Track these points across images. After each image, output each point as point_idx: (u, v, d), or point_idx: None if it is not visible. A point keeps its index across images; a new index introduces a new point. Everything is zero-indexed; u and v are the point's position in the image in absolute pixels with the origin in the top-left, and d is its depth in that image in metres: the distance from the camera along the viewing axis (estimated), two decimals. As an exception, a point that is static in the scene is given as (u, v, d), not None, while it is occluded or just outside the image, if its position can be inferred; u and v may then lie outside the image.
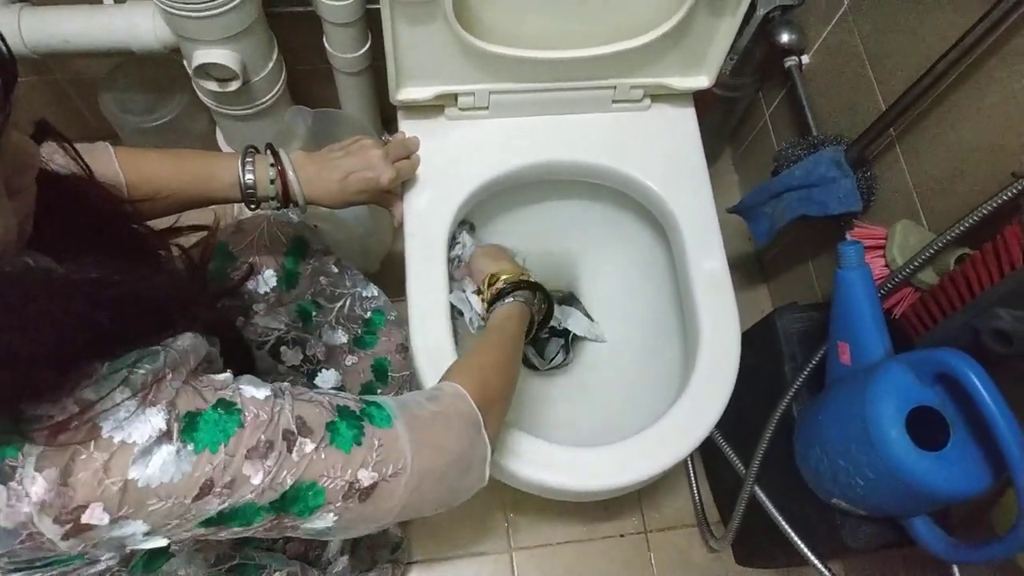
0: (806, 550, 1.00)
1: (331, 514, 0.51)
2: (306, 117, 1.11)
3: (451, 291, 0.93)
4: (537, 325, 0.87)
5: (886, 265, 0.93)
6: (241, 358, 0.60)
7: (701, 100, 1.05)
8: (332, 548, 0.90)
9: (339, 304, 0.95)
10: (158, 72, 1.19)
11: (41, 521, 0.40)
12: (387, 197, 0.90)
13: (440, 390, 0.63)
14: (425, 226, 0.92)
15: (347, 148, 0.84)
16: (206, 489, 0.44)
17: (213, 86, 1.04)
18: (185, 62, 1.03)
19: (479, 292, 0.90)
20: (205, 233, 0.70)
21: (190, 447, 0.44)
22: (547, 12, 0.85)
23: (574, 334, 1.21)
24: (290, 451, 0.48)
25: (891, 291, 0.91)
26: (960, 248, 0.87)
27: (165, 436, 0.43)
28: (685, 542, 1.32)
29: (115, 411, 0.42)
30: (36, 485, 0.39)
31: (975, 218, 0.81)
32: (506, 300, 0.84)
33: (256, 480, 0.46)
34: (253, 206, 0.80)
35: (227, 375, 0.50)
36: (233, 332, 0.62)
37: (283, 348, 0.89)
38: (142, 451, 0.42)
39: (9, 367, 0.37)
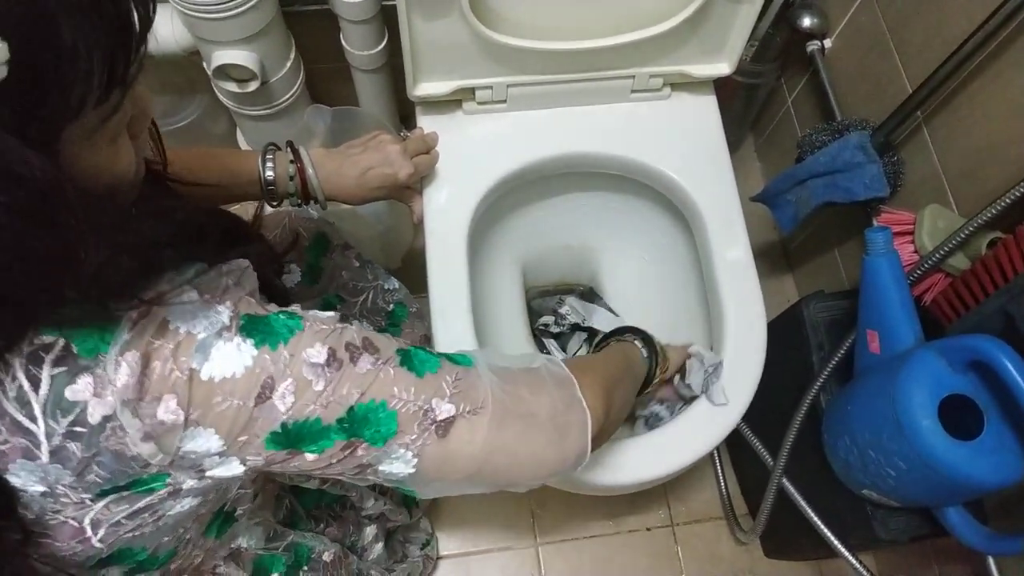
0: (836, 542, 0.99)
1: (408, 452, 0.49)
2: (325, 115, 1.11)
3: None
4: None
5: (915, 251, 0.91)
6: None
7: (722, 87, 1.04)
8: (367, 534, 0.91)
9: (362, 298, 0.96)
10: (177, 74, 1.20)
11: (123, 414, 0.41)
12: (406, 193, 0.90)
13: (535, 357, 0.60)
14: (445, 222, 0.92)
15: (366, 144, 0.85)
16: (267, 389, 0.44)
17: (232, 87, 1.05)
18: (204, 64, 1.04)
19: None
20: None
21: (249, 342, 0.44)
22: (564, 2, 0.84)
23: (596, 328, 1.20)
24: (353, 363, 0.47)
25: (921, 277, 0.89)
26: (992, 232, 0.85)
27: (226, 330, 0.44)
28: (713, 535, 1.31)
29: (182, 306, 0.43)
30: (120, 372, 0.40)
31: (1007, 200, 0.79)
32: (628, 338, 0.83)
33: (317, 387, 0.46)
34: (274, 203, 0.81)
35: (296, 305, 0.51)
36: (282, 291, 0.64)
37: None
38: (203, 342, 0.43)
39: (88, 275, 0.38)
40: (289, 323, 0.47)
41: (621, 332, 0.86)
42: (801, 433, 1.00)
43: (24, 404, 0.39)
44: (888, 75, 1.03)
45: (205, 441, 0.44)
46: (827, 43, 1.17)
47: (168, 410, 0.42)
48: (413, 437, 0.49)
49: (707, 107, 1.01)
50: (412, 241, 1.37)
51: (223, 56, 0.99)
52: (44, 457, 0.41)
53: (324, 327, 0.48)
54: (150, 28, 0.39)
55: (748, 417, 0.92)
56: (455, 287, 0.89)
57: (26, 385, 0.39)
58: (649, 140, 0.98)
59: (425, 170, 0.91)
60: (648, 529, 1.30)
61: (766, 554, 1.30)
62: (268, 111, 1.12)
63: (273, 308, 0.48)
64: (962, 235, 0.84)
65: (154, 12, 0.39)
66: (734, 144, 1.51)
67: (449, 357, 0.54)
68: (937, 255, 0.86)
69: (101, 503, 0.44)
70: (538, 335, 1.25)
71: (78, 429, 0.40)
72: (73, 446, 0.41)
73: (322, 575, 0.76)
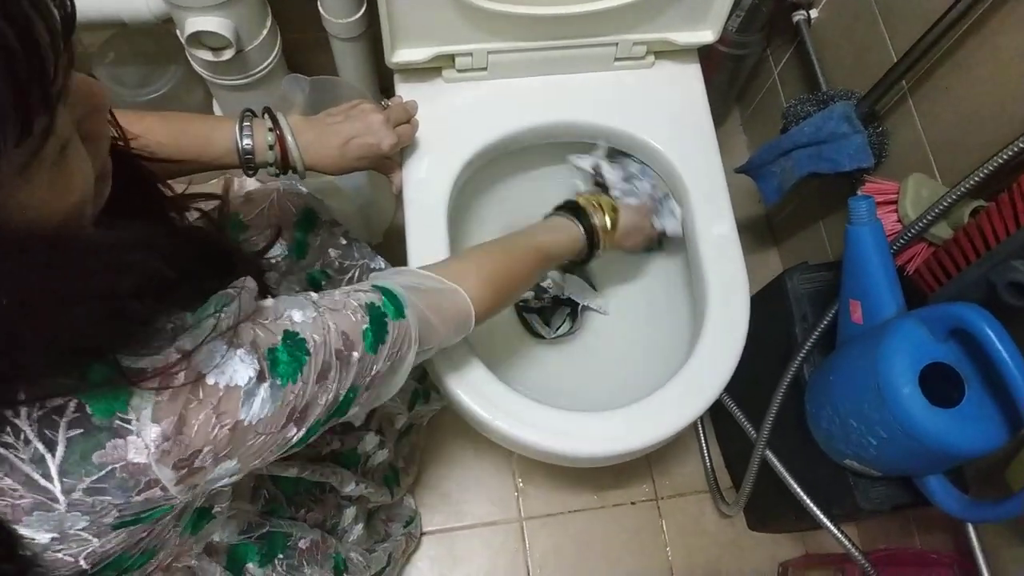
0: (819, 513, 0.99)
1: (357, 407, 0.57)
2: (303, 85, 1.08)
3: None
4: (567, 263, 0.92)
5: (898, 220, 0.91)
6: None
7: (708, 59, 1.02)
8: (347, 516, 0.91)
9: (348, 276, 0.94)
10: (151, 44, 1.17)
11: (160, 470, 0.41)
12: (387, 163, 0.88)
13: (443, 286, 0.68)
14: (424, 192, 0.90)
15: (347, 113, 0.82)
16: (290, 417, 0.48)
17: (207, 55, 1.02)
18: (178, 32, 1.01)
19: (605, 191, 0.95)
20: (217, 201, 0.69)
21: (278, 382, 0.46)
22: (544, -34, 0.82)
23: (575, 300, 1.19)
24: (343, 367, 0.52)
25: (904, 247, 0.89)
26: (975, 200, 0.85)
27: (261, 376, 0.45)
28: (697, 508, 1.31)
29: (212, 357, 0.43)
30: (154, 435, 0.40)
31: (989, 168, 0.78)
32: (580, 221, 0.88)
33: (323, 399, 0.51)
34: (251, 172, 0.79)
35: (270, 300, 0.52)
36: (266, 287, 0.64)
37: None
38: (247, 392, 0.44)
39: (103, 314, 0.38)
40: (297, 352, 0.49)
41: (564, 208, 0.91)
42: (784, 405, 1.00)
43: (39, 463, 0.39)
44: (874, 45, 1.02)
45: (226, 469, 0.46)
46: (813, 13, 1.15)
47: (205, 460, 0.43)
48: (364, 395, 0.57)
49: (691, 76, 1.00)
50: (394, 215, 1.35)
51: (197, 23, 0.96)
52: (62, 508, 0.40)
53: (319, 341, 0.50)
54: (73, 31, 0.35)
55: (732, 390, 0.91)
56: (434, 258, 0.88)
57: (41, 448, 0.38)
58: (633, 109, 0.96)
59: (407, 140, 0.89)
60: (632, 503, 1.31)
61: (750, 527, 1.31)
62: (244, 80, 1.09)
63: (275, 327, 0.49)
64: (945, 204, 0.83)
65: (72, 9, 0.35)
66: (720, 117, 1.50)
67: (389, 311, 0.59)
68: (920, 224, 0.86)
69: (106, 538, 0.43)
70: (520, 310, 1.24)
71: (104, 485, 0.40)
72: (97, 498, 0.40)
73: (297, 561, 0.75)
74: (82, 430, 0.39)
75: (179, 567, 0.64)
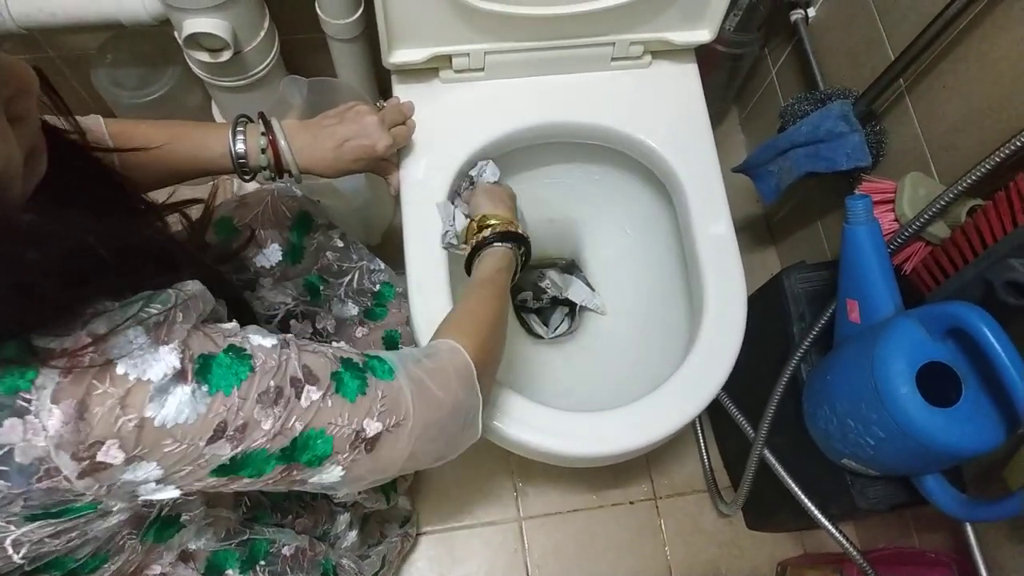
0: (816, 512, 0.99)
1: (338, 467, 0.52)
2: (301, 87, 1.08)
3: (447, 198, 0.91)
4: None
5: (896, 219, 0.91)
6: (244, 318, 0.61)
7: (705, 59, 1.02)
8: (341, 523, 0.90)
9: (347, 279, 0.94)
10: (149, 45, 1.17)
11: (59, 456, 0.40)
12: (383, 165, 0.88)
13: (436, 348, 0.63)
14: (422, 193, 0.90)
15: (342, 115, 0.82)
16: (219, 432, 0.45)
17: (204, 57, 1.03)
18: (175, 33, 1.01)
19: (469, 219, 0.88)
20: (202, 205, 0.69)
21: (204, 388, 0.44)
22: (541, -34, 0.82)
23: (573, 300, 1.19)
24: (298, 397, 0.49)
25: (901, 246, 0.89)
26: (972, 199, 0.84)
27: (180, 376, 0.43)
28: (695, 508, 1.31)
29: (128, 348, 0.42)
30: (53, 418, 0.39)
31: (986, 167, 0.78)
32: (494, 245, 0.83)
33: (267, 425, 0.47)
34: (247, 177, 0.79)
35: (234, 324, 0.51)
36: (234, 293, 0.62)
37: (292, 321, 0.88)
38: (158, 389, 0.42)
39: (17, 294, 0.37)
40: (241, 364, 0.47)
41: (487, 243, 0.84)
42: (782, 404, 1.00)
43: None
44: (871, 44, 1.02)
45: (145, 472, 0.44)
46: (811, 12, 1.15)
47: (110, 455, 0.41)
48: (345, 455, 0.52)
49: (688, 76, 1.00)
50: (392, 217, 1.35)
51: (194, 24, 0.96)
52: None
53: (271, 364, 0.48)
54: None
55: (730, 389, 0.91)
56: (433, 261, 0.88)
57: None
58: (630, 109, 0.96)
59: (403, 141, 0.89)
60: (631, 503, 1.31)
61: (748, 526, 1.31)
62: (242, 82, 1.09)
63: (220, 339, 0.47)
64: (942, 203, 0.83)
65: None
66: (718, 117, 1.50)
67: (373, 369, 0.56)
68: (917, 223, 0.86)
69: (25, 527, 0.43)
70: (519, 310, 1.24)
71: (3, 468, 0.39)
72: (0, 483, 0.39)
73: (280, 568, 0.74)
74: None
75: (151, 574, 0.63)
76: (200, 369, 0.44)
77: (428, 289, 0.86)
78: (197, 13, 0.95)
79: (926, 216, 0.85)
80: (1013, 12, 0.79)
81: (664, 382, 0.85)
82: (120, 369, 0.41)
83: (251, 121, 0.78)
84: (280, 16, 1.09)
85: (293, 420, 0.49)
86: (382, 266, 0.98)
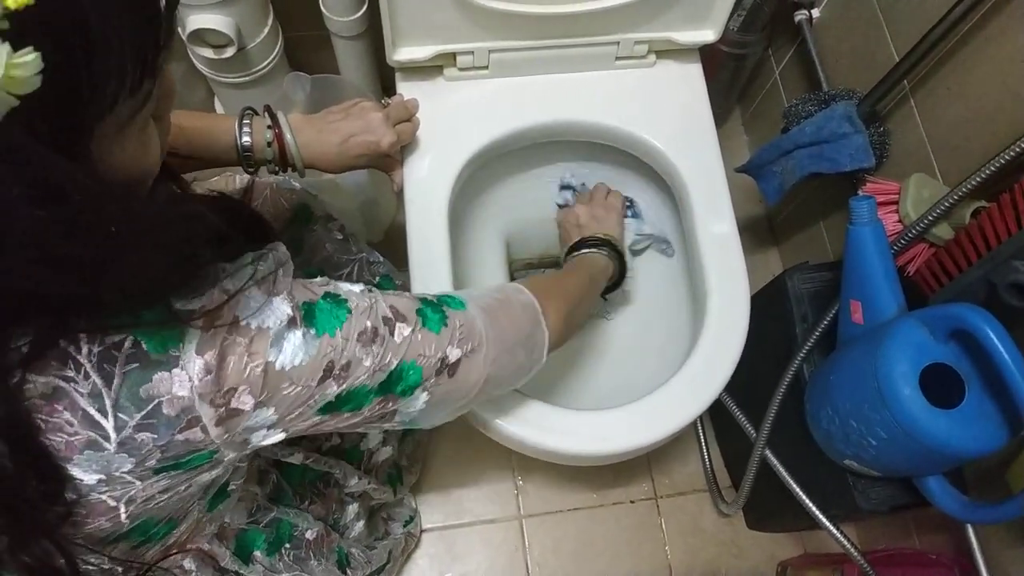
0: (818, 513, 0.99)
1: (425, 393, 0.56)
2: (304, 83, 1.09)
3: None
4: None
5: (899, 220, 0.91)
6: None
7: (709, 59, 1.02)
8: (349, 512, 0.91)
9: (347, 271, 0.94)
10: (153, 41, 1.17)
11: (201, 406, 0.43)
12: (387, 162, 0.88)
13: (503, 286, 0.68)
14: (426, 191, 0.90)
15: (347, 111, 0.83)
16: (328, 372, 0.48)
17: (208, 53, 1.03)
18: (179, 29, 1.01)
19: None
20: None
21: (312, 331, 0.48)
22: (546, -35, 0.82)
23: None
24: (392, 335, 0.53)
25: (905, 247, 0.89)
26: (976, 201, 0.85)
27: (292, 322, 0.47)
28: (696, 507, 1.31)
29: (248, 301, 0.45)
30: (197, 368, 0.42)
31: (990, 169, 0.78)
32: (598, 250, 0.91)
33: (368, 363, 0.51)
34: (251, 170, 0.79)
35: (322, 277, 0.54)
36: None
37: None
38: (276, 336, 0.46)
39: (158, 263, 0.40)
40: (338, 309, 0.50)
41: (589, 244, 0.93)
42: (784, 405, 1.00)
43: (96, 398, 0.41)
44: (876, 45, 1.02)
45: (263, 418, 0.47)
46: (815, 12, 1.15)
47: (242, 400, 0.45)
48: (432, 381, 0.56)
49: (693, 75, 1.00)
50: (396, 214, 1.35)
51: (198, 20, 0.96)
52: (112, 448, 0.42)
53: (365, 306, 0.52)
54: (176, 8, 0.39)
55: (732, 390, 0.91)
56: (436, 259, 0.88)
57: (99, 382, 0.41)
58: (634, 108, 0.96)
59: (407, 138, 0.89)
60: (632, 502, 1.31)
61: (749, 526, 1.31)
62: (246, 78, 1.09)
63: (316, 288, 0.51)
64: (946, 204, 0.83)
65: None
66: (721, 117, 1.50)
67: (449, 304, 0.60)
68: (921, 224, 0.86)
69: (148, 481, 0.45)
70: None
71: (151, 421, 0.42)
72: (144, 436, 0.42)
73: (304, 552, 0.75)
74: (138, 364, 0.41)
75: (193, 548, 0.64)
76: (306, 315, 0.48)
77: (432, 288, 0.86)
78: (201, 9, 0.95)
79: (930, 218, 0.85)
80: (1018, 15, 0.79)
81: (667, 381, 0.85)
82: (244, 320, 0.45)
83: (256, 114, 0.78)
84: (284, 13, 1.09)
85: (389, 356, 0.52)
86: (380, 258, 0.98)
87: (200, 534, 0.64)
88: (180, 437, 0.43)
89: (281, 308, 0.47)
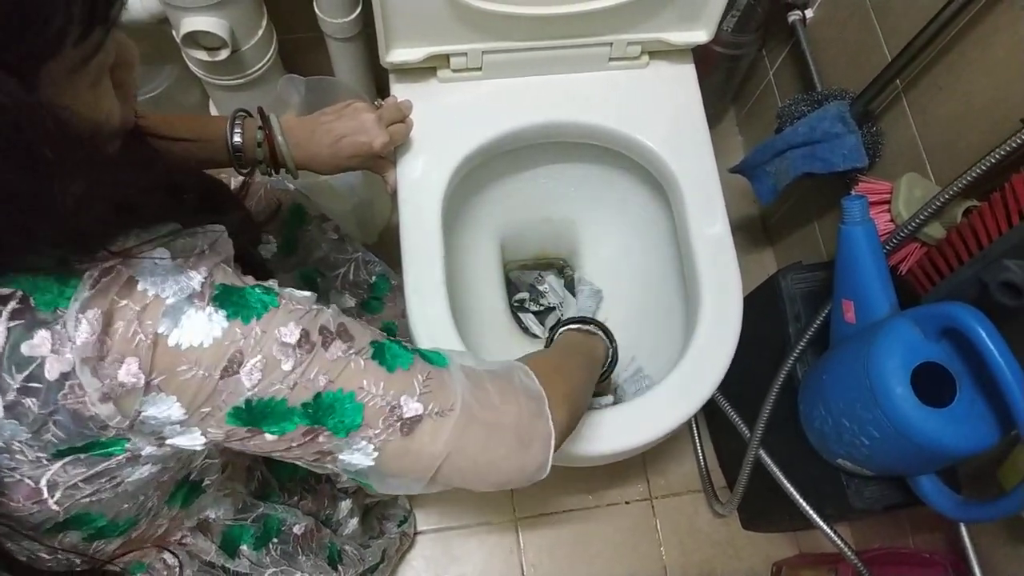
0: (812, 512, 0.99)
1: (370, 445, 0.48)
2: (299, 86, 1.09)
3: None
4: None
5: (891, 220, 0.91)
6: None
7: (703, 60, 1.02)
8: (343, 509, 0.91)
9: (342, 271, 0.94)
10: (147, 44, 1.16)
11: (83, 372, 0.40)
12: (380, 163, 0.88)
13: (508, 364, 0.59)
14: (419, 193, 0.90)
15: (339, 112, 0.83)
16: (235, 363, 0.43)
17: (202, 55, 1.02)
18: (173, 31, 1.01)
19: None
20: None
21: (221, 313, 0.43)
22: (538, -34, 0.83)
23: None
24: (324, 347, 0.46)
25: (897, 246, 0.89)
26: (968, 200, 0.85)
27: (197, 297, 0.43)
28: (691, 508, 1.31)
29: (152, 267, 0.42)
30: (80, 329, 0.39)
31: (982, 167, 0.79)
32: (592, 330, 0.82)
33: (286, 366, 0.45)
34: (243, 170, 0.79)
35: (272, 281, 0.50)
36: (257, 259, 0.63)
37: None
38: (173, 307, 0.42)
39: (61, 217, 0.37)
40: (264, 298, 0.45)
41: (584, 321, 0.84)
42: (778, 405, 1.01)
43: None
44: (869, 45, 1.02)
45: (166, 408, 0.43)
46: (808, 13, 1.16)
47: (129, 372, 0.41)
48: (377, 431, 0.48)
49: (686, 77, 1.00)
50: (390, 215, 1.35)
51: (192, 23, 0.96)
52: (0, 413, 0.40)
53: (299, 307, 0.47)
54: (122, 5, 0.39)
55: (726, 390, 0.91)
56: (430, 260, 0.88)
57: None
58: (627, 109, 0.96)
59: (400, 139, 0.89)
60: (627, 503, 1.31)
61: (744, 526, 1.31)
62: (240, 81, 1.09)
63: (250, 280, 0.47)
64: (937, 203, 0.83)
65: None
66: (715, 118, 1.50)
67: (423, 355, 0.53)
68: (913, 224, 0.86)
69: (58, 463, 0.44)
70: (516, 310, 1.24)
71: (34, 385, 0.39)
72: (29, 401, 0.40)
73: (292, 548, 0.75)
74: (23, 321, 0.39)
75: (173, 541, 0.64)
76: (219, 295, 0.44)
77: (425, 290, 0.86)
78: (195, 11, 0.95)
79: (922, 217, 0.85)
80: (1009, 14, 0.79)
81: (660, 381, 0.85)
82: (141, 285, 0.41)
83: (249, 115, 0.78)
84: (278, 15, 1.09)
85: (316, 371, 0.46)
86: (376, 259, 0.98)
87: (177, 528, 0.64)
88: (67, 407, 0.40)
89: (187, 281, 0.43)
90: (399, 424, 0.49)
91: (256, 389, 0.44)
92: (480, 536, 1.27)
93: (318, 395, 0.46)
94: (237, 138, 0.75)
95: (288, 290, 0.48)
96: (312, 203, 0.93)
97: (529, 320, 1.24)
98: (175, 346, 0.42)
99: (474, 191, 1.07)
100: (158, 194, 0.45)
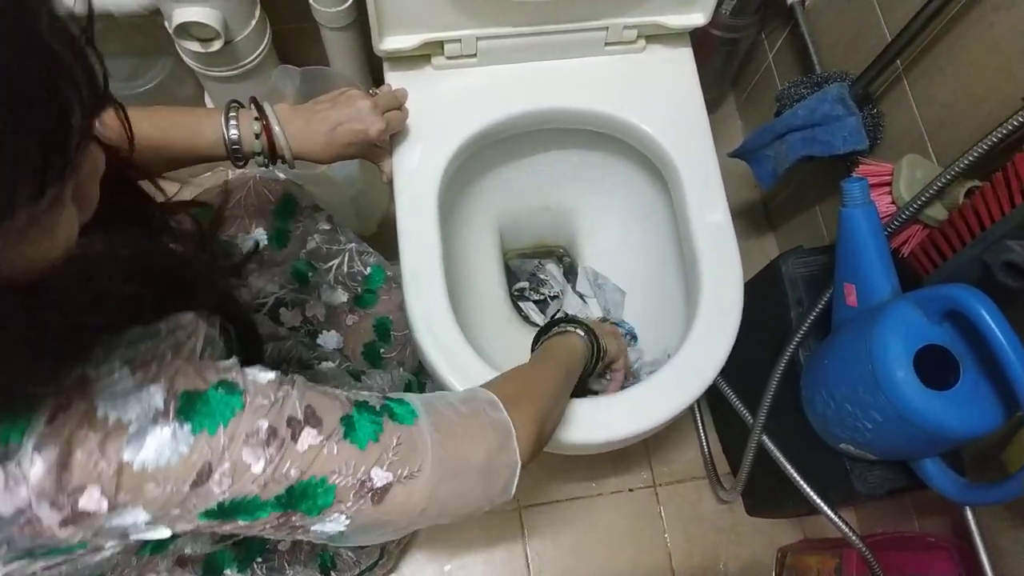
0: (815, 497, 0.99)
1: (342, 516, 0.48)
2: (294, 76, 1.08)
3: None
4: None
5: (893, 202, 0.90)
6: (248, 342, 0.58)
7: (702, 44, 1.01)
8: None
9: (336, 261, 0.93)
10: (140, 36, 1.16)
11: (39, 507, 0.38)
12: (376, 152, 0.87)
13: (474, 394, 0.60)
14: (416, 181, 0.89)
15: (335, 100, 0.82)
16: (204, 475, 0.42)
17: (196, 47, 1.02)
18: (166, 23, 1.00)
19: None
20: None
21: (187, 428, 0.41)
22: (532, -50, 0.82)
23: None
24: (295, 440, 0.45)
25: (899, 228, 0.88)
26: (970, 181, 0.84)
27: (161, 415, 0.41)
28: (695, 494, 1.31)
29: (111, 388, 0.40)
30: (35, 467, 0.37)
31: (984, 148, 0.78)
32: (573, 331, 0.81)
33: (257, 469, 0.44)
34: (240, 163, 0.78)
35: (233, 360, 0.47)
36: (244, 318, 0.60)
37: (282, 310, 0.87)
38: (137, 431, 0.40)
39: (16, 355, 0.35)
40: (229, 400, 0.44)
41: (564, 322, 0.84)
42: (780, 390, 1.00)
43: None
44: (868, 26, 1.01)
45: (132, 517, 0.42)
46: (807, -5, 1.14)
47: (91, 500, 0.39)
48: (348, 504, 0.48)
49: (683, 60, 0.99)
50: (388, 205, 1.35)
51: (184, 14, 0.96)
52: None
53: (264, 403, 0.45)
54: (101, 111, 0.36)
55: (728, 376, 0.91)
56: (427, 249, 0.87)
57: None
58: (624, 94, 0.96)
59: (396, 126, 0.88)
60: (630, 490, 1.31)
61: (748, 512, 1.31)
62: (234, 72, 1.08)
63: (211, 374, 0.45)
64: (939, 184, 0.82)
65: (105, 90, 0.36)
66: (715, 102, 1.49)
67: (392, 413, 0.52)
68: (914, 205, 0.85)
69: (13, 564, 0.42)
70: (516, 299, 1.24)
71: None
72: None
73: (278, 563, 0.73)
74: None
75: None
76: (183, 407, 0.42)
77: (423, 278, 0.86)
78: (187, 2, 0.95)
79: (923, 198, 0.84)
80: (1010, -9, 0.78)
81: (662, 368, 0.85)
82: (101, 411, 0.39)
83: (242, 107, 0.77)
84: (271, 5, 1.08)
85: (288, 466, 0.45)
86: (371, 249, 0.97)
87: (150, 571, 0.62)
88: (21, 534, 0.38)
89: (151, 398, 0.41)
90: (370, 495, 0.49)
91: (227, 494, 0.43)
92: (483, 525, 1.26)
93: (291, 487, 0.45)
94: (234, 132, 0.74)
95: (251, 377, 0.46)
96: (304, 193, 0.92)
97: (529, 309, 1.24)
98: (141, 469, 0.40)
99: (471, 179, 1.06)
100: (123, 300, 0.41)
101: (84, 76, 0.34)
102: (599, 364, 0.84)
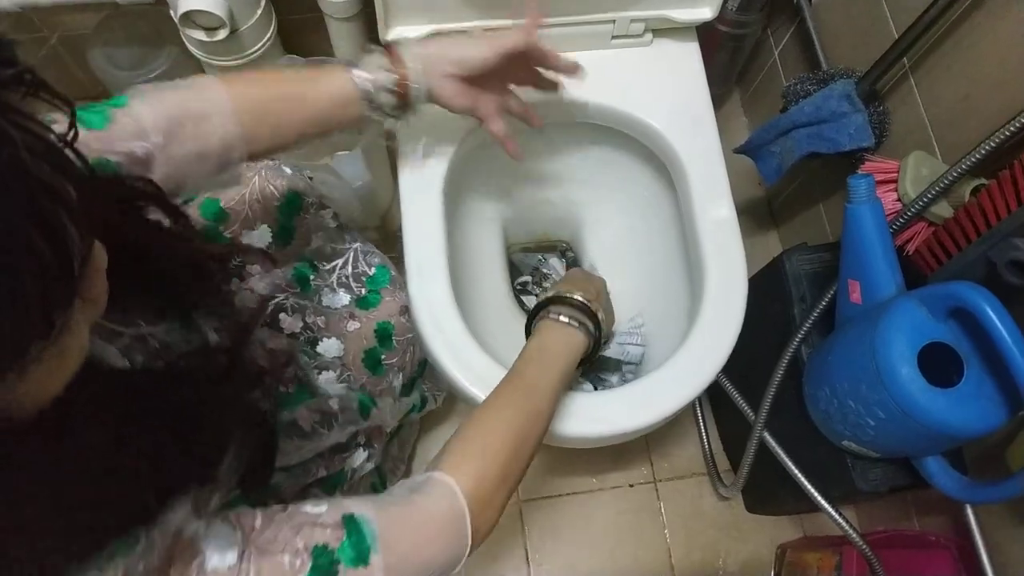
0: (816, 495, 0.99)
1: None
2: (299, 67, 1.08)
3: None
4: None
5: (898, 199, 0.90)
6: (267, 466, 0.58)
7: (708, 40, 1.01)
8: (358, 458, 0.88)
9: (339, 261, 0.92)
10: (145, 25, 1.16)
11: None
12: (489, 114, 0.82)
13: (430, 484, 0.59)
14: (420, 174, 0.89)
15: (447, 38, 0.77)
16: None
17: (201, 35, 1.02)
18: (171, 11, 1.00)
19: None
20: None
21: None
22: (540, -59, 0.81)
23: None
24: None
25: (904, 226, 0.88)
26: (976, 179, 0.84)
27: None
28: (695, 491, 1.31)
29: None
30: None
31: (990, 146, 0.77)
32: (568, 322, 0.79)
33: None
34: (371, 120, 0.75)
35: (193, 526, 0.45)
36: (264, 437, 0.58)
37: (282, 315, 0.86)
38: None
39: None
40: None
41: (557, 303, 0.82)
42: (782, 387, 1.00)
43: None
44: (875, 23, 1.00)
45: None
46: (814, -9, 1.14)
47: None
48: None
49: (690, 54, 0.99)
50: (392, 199, 1.34)
51: (189, 2, 0.95)
52: None
53: None
54: (99, 231, 0.35)
55: (730, 372, 0.91)
56: (431, 242, 0.87)
57: None
58: (631, 88, 0.95)
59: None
60: (631, 486, 1.31)
61: (748, 509, 1.31)
62: (239, 61, 1.08)
63: (188, 552, 0.44)
64: (945, 182, 0.82)
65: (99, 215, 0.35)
66: (720, 98, 1.49)
67: (346, 557, 0.51)
68: (920, 203, 0.85)
69: None
70: (518, 293, 1.24)
71: None
72: None
73: None
74: None
75: None
76: None
77: (427, 272, 0.86)
78: (192, -9, 0.94)
79: (929, 196, 0.84)
80: (1019, -12, 0.78)
81: (664, 363, 0.85)
82: None
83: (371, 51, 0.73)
84: (277, -6, 1.08)
85: None
86: (375, 249, 0.96)
87: None
88: None
89: None
90: None
91: None
92: (483, 519, 1.26)
93: None
94: (369, 86, 0.71)
95: (211, 566, 0.45)
96: (311, 188, 0.91)
97: (532, 303, 1.24)
98: None
99: (475, 173, 1.06)
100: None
101: (69, 184, 0.32)
102: (596, 354, 0.83)
